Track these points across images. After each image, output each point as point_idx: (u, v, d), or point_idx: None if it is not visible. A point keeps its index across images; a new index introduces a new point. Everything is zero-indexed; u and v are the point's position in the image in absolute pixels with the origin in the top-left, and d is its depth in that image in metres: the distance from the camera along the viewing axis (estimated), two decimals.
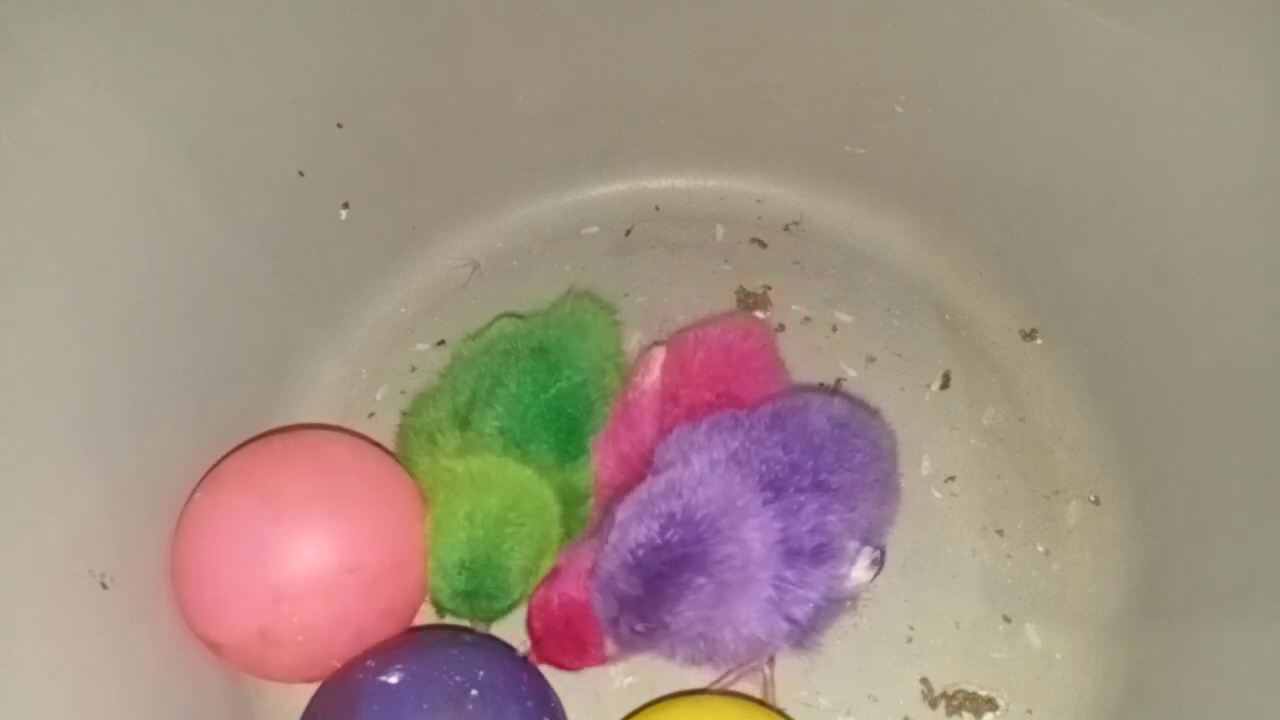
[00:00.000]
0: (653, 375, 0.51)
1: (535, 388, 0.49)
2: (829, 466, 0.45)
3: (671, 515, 0.41)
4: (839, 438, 0.46)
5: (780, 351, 0.55)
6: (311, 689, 0.45)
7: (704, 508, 0.42)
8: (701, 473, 0.43)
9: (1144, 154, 0.51)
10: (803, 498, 0.43)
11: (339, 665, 0.45)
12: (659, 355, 0.52)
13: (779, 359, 0.54)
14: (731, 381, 0.50)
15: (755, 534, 0.42)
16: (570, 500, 0.49)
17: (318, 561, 0.44)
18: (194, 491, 0.47)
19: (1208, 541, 0.49)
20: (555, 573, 0.47)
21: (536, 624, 0.46)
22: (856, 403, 0.55)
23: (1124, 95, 0.51)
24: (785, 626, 0.43)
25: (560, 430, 0.49)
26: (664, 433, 0.49)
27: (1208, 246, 0.49)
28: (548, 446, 0.49)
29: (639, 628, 0.42)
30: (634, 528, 0.42)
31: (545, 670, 0.47)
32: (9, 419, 0.40)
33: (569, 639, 0.45)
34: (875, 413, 0.55)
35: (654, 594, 0.41)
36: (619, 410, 0.51)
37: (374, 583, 0.45)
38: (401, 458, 0.52)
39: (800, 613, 0.43)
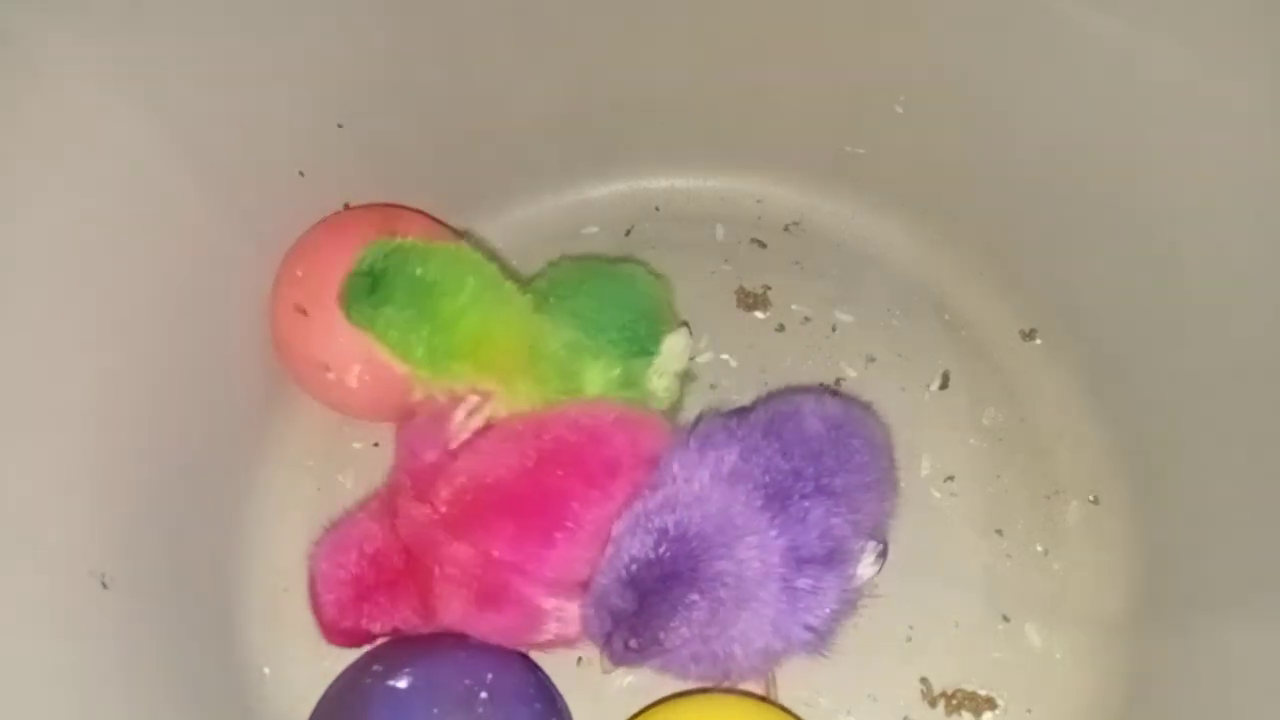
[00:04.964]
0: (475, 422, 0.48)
1: (618, 285, 0.53)
2: (830, 470, 0.45)
3: (664, 530, 0.41)
4: (836, 439, 0.46)
5: (772, 355, 0.55)
6: (316, 692, 0.45)
7: (698, 524, 0.41)
8: (700, 488, 0.43)
9: (1144, 154, 0.51)
10: (807, 504, 0.43)
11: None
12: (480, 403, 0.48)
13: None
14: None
15: (753, 552, 0.42)
16: (628, 384, 0.50)
17: None
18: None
19: (1208, 541, 0.49)
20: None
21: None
22: (850, 400, 0.55)
23: (1124, 95, 0.51)
24: (805, 635, 0.43)
25: (640, 316, 0.51)
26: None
27: (1208, 247, 0.49)
28: (623, 335, 0.50)
29: (633, 644, 0.41)
30: (628, 542, 0.41)
31: (551, 671, 0.47)
32: (9, 419, 0.40)
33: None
34: (868, 406, 0.55)
35: (647, 610, 0.41)
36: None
37: None
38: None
39: (817, 619, 0.43)
